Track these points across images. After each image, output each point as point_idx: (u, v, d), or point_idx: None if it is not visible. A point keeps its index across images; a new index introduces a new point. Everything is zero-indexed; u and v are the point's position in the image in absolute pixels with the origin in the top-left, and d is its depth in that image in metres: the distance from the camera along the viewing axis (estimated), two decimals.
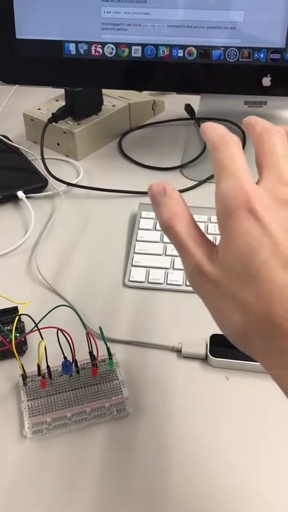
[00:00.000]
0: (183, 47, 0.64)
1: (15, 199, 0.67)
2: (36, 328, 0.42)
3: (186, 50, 0.64)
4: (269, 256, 0.24)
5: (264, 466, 0.40)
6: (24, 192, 0.67)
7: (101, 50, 0.65)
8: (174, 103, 0.87)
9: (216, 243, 0.27)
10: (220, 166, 0.27)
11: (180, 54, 0.64)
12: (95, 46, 0.65)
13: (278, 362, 0.25)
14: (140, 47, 0.65)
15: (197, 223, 0.62)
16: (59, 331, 0.42)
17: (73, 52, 0.66)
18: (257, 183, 0.27)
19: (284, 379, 0.25)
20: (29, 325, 0.48)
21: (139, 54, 0.65)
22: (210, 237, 0.58)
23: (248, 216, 0.25)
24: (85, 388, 0.44)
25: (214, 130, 0.29)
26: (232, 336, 0.26)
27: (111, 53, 0.65)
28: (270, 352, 0.25)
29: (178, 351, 0.48)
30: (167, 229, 0.28)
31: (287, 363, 0.24)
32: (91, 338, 0.43)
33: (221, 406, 0.44)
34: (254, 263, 0.24)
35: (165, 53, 0.64)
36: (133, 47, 0.65)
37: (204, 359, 0.47)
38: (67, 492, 0.38)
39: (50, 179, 0.69)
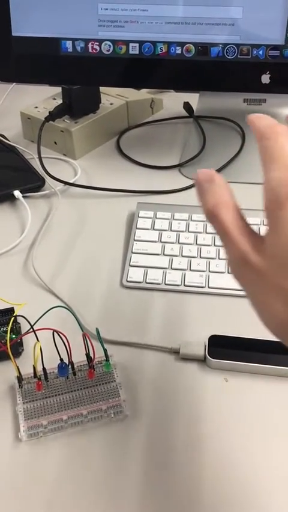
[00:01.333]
0: (182, 44, 0.63)
1: (12, 199, 0.66)
2: (31, 330, 0.42)
3: (184, 47, 0.63)
4: None
5: (264, 466, 0.39)
6: (21, 192, 0.66)
7: (98, 48, 0.64)
8: (172, 101, 0.86)
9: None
10: (270, 155, 0.26)
11: (178, 51, 0.64)
12: (92, 43, 0.64)
13: None
14: (137, 44, 0.64)
15: (196, 222, 0.62)
16: (54, 332, 0.41)
17: (70, 49, 0.65)
18: None
19: None
20: (26, 326, 0.47)
21: (137, 52, 0.64)
22: (209, 236, 0.58)
23: None
24: (82, 390, 0.43)
25: (263, 120, 0.28)
26: (272, 327, 0.26)
27: (108, 51, 0.65)
28: None
29: (176, 353, 0.47)
30: (212, 217, 0.28)
31: None
32: (87, 339, 0.42)
33: (220, 408, 0.43)
34: None
35: (163, 50, 0.64)
36: (131, 44, 0.64)
37: (202, 361, 0.46)
38: (63, 497, 0.38)
39: (47, 179, 0.68)
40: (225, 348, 0.46)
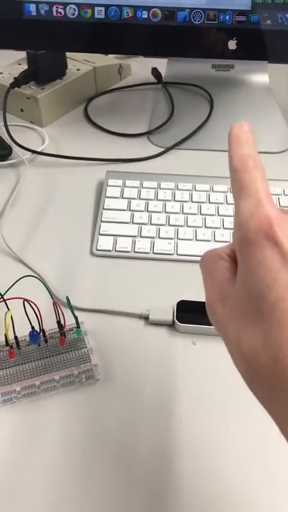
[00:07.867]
0: (148, 8, 0.62)
1: None
2: (2, 299, 0.42)
3: (150, 12, 0.62)
4: (284, 294, 0.22)
5: (229, 428, 0.41)
6: None
7: (62, 11, 0.63)
8: (141, 67, 0.85)
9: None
10: (240, 188, 0.25)
11: (145, 15, 0.62)
12: (56, 7, 0.63)
13: (280, 411, 0.23)
14: (103, 8, 0.62)
15: (165, 190, 0.62)
16: (25, 301, 0.42)
17: (34, 13, 0.63)
18: None
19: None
20: None
21: (102, 16, 0.63)
22: (177, 204, 0.59)
23: (266, 243, 0.22)
24: (53, 357, 0.44)
25: (240, 149, 0.25)
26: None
27: (73, 14, 0.63)
28: (272, 401, 0.23)
29: (146, 318, 0.48)
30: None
31: None
32: (57, 307, 0.43)
33: (188, 370, 0.45)
34: (265, 301, 0.22)
35: (130, 15, 0.63)
36: (96, 8, 0.62)
37: (171, 325, 0.48)
38: (37, 459, 0.39)
39: (14, 147, 0.67)
40: (192, 313, 0.48)
